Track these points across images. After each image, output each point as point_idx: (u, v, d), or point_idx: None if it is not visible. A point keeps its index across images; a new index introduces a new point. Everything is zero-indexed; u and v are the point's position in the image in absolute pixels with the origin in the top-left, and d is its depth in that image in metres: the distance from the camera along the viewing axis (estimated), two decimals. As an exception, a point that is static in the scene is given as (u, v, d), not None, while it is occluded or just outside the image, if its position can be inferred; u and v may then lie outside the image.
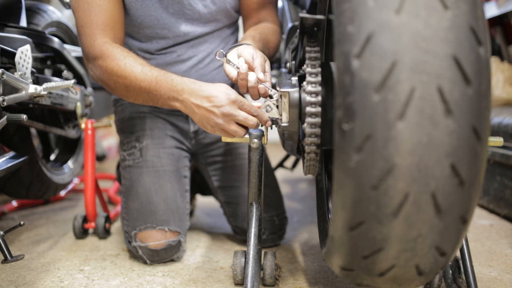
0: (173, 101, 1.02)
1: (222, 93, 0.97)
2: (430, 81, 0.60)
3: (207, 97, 0.97)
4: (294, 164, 2.26)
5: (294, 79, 0.96)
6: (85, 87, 1.72)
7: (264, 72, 1.03)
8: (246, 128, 0.99)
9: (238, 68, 1.01)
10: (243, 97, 1.04)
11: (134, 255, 1.28)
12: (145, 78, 1.04)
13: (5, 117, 1.14)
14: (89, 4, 1.13)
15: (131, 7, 1.21)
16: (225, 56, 1.03)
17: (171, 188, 1.31)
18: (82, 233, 1.48)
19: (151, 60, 1.31)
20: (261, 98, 1.03)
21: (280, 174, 2.46)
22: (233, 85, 1.25)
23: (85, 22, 1.13)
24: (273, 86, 1.05)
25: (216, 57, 1.03)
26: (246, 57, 1.03)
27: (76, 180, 2.19)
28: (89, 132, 1.53)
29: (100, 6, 1.13)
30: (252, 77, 0.99)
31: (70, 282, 1.13)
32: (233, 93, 0.97)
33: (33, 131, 1.74)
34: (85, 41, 1.13)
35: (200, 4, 1.25)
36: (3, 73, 1.05)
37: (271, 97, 0.99)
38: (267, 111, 0.98)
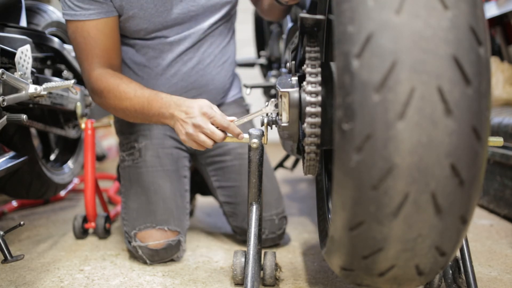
0: (163, 118, 1.09)
1: (197, 106, 1.03)
2: (430, 81, 0.60)
3: (185, 110, 1.04)
4: (294, 164, 2.26)
5: (294, 79, 0.96)
6: (85, 87, 1.72)
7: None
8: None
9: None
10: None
11: (134, 255, 1.28)
12: (138, 101, 1.12)
13: (5, 117, 1.14)
14: (85, 38, 1.19)
15: (133, 15, 1.22)
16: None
17: (170, 188, 1.31)
18: (82, 233, 1.48)
19: (145, 47, 1.30)
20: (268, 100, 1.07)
21: (280, 174, 2.46)
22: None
23: (82, 57, 1.20)
24: (273, 87, 1.05)
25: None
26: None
27: (76, 180, 2.19)
28: (89, 132, 1.53)
29: (95, 40, 1.19)
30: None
31: (70, 282, 1.13)
32: (206, 107, 1.02)
33: (33, 131, 1.74)
34: (84, 75, 1.23)
35: None
36: (3, 73, 1.05)
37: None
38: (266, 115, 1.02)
